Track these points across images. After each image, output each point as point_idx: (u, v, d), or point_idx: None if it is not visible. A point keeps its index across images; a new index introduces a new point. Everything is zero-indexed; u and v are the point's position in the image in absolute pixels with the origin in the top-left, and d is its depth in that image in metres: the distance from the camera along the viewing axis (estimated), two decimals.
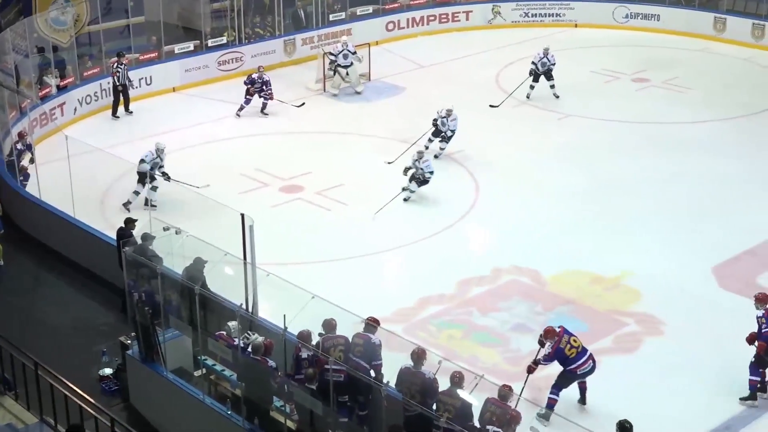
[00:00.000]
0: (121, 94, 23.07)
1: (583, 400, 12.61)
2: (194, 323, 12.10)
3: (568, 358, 12.26)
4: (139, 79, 24.39)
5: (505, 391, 10.46)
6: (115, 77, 22.84)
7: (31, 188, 18.40)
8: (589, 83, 24.35)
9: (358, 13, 29.52)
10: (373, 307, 12.72)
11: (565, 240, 17.11)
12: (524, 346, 13.90)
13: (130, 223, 14.94)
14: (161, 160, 18.31)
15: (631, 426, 10.36)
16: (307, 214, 18.28)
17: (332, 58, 24.88)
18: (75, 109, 23.10)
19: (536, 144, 21.59)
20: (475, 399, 10.36)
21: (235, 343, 11.73)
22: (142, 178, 18.14)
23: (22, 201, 18.01)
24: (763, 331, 12.72)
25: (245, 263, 13.28)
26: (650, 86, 25.47)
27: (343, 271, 16.11)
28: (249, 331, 11.80)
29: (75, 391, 10.78)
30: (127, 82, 23.07)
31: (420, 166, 18.39)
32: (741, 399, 12.74)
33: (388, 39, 29.56)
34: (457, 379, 10.52)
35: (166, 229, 13.33)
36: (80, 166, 17.87)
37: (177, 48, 25.86)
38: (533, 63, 23.99)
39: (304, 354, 11.31)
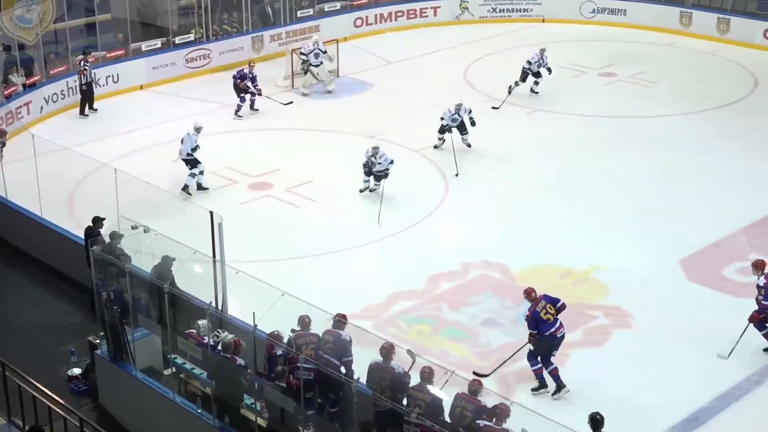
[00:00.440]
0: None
1: (558, 389, 12.64)
2: (163, 322, 12.07)
3: (545, 323, 12.47)
4: (106, 77, 24.29)
5: (476, 386, 10.46)
6: (82, 76, 22.70)
7: None
8: (556, 78, 24.44)
9: (326, 10, 29.50)
10: (342, 304, 12.70)
11: (534, 235, 17.18)
12: (493, 340, 14.02)
13: (98, 221, 14.81)
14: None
15: (602, 418, 10.40)
16: (277, 212, 18.24)
17: (304, 57, 24.76)
18: (41, 108, 22.90)
19: (505, 139, 21.67)
20: (445, 394, 10.38)
21: (204, 341, 11.70)
22: (193, 163, 18.65)
23: None
24: (762, 303, 13.10)
25: (214, 261, 13.26)
26: (617, 81, 25.62)
27: (312, 268, 16.09)
28: (219, 329, 11.79)
29: (43, 391, 10.68)
30: (92, 80, 22.93)
31: (377, 161, 18.30)
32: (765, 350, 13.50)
33: (356, 35, 29.60)
34: (427, 375, 10.53)
35: (134, 227, 13.30)
36: (47, 165, 17.78)
37: (144, 45, 25.72)
38: (528, 63, 23.83)
39: (279, 351, 11.30)
